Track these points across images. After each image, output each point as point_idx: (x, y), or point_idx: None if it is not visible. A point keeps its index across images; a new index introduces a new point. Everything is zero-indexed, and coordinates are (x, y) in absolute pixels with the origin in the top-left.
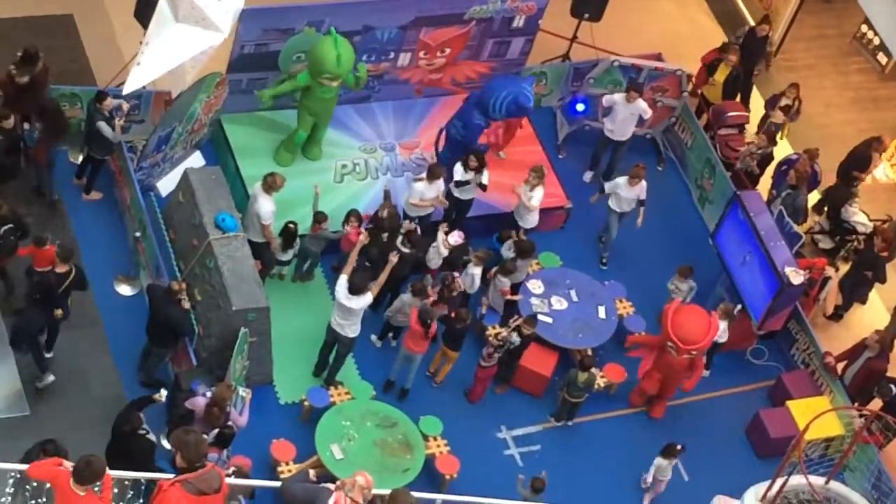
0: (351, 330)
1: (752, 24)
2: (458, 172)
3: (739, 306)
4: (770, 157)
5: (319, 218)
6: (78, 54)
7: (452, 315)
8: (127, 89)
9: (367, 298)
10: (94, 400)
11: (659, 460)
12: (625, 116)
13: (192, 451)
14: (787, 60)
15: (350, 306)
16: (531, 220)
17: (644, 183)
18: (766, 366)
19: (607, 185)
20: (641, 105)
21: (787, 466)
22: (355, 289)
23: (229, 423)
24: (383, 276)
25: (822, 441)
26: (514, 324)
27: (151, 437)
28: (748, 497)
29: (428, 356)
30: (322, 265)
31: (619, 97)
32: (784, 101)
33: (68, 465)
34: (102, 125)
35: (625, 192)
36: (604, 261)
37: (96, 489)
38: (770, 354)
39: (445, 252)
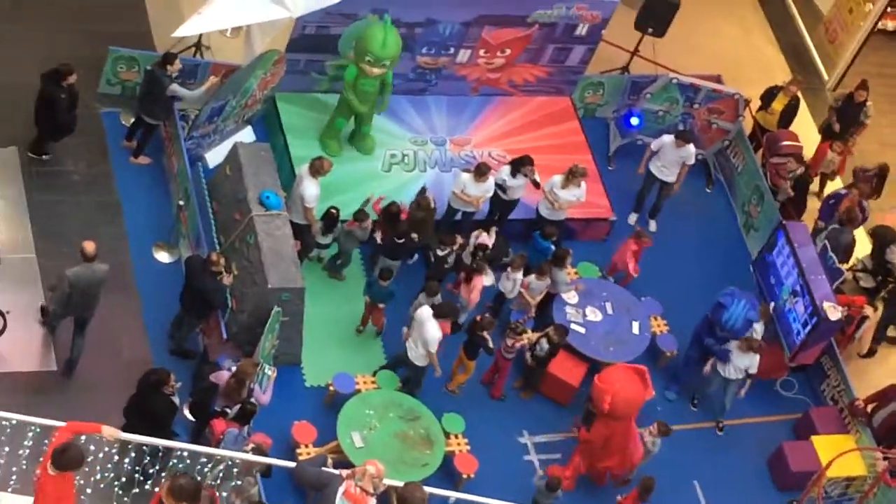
0: (415, 354)
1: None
2: (504, 176)
3: (773, 303)
4: (806, 180)
5: (361, 217)
6: (140, 18)
7: (476, 319)
8: (179, 32)
9: (436, 331)
10: (121, 362)
11: None
12: (672, 159)
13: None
14: None
15: (427, 325)
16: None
17: (756, 356)
18: (794, 398)
19: (723, 349)
20: (690, 150)
21: (806, 501)
22: (438, 313)
23: (252, 399)
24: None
25: (843, 479)
26: (544, 334)
27: (175, 399)
28: None
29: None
30: (362, 251)
31: (668, 139)
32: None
33: (110, 430)
34: (176, 87)
35: (735, 358)
36: (694, 402)
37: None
38: (800, 388)
39: (471, 248)
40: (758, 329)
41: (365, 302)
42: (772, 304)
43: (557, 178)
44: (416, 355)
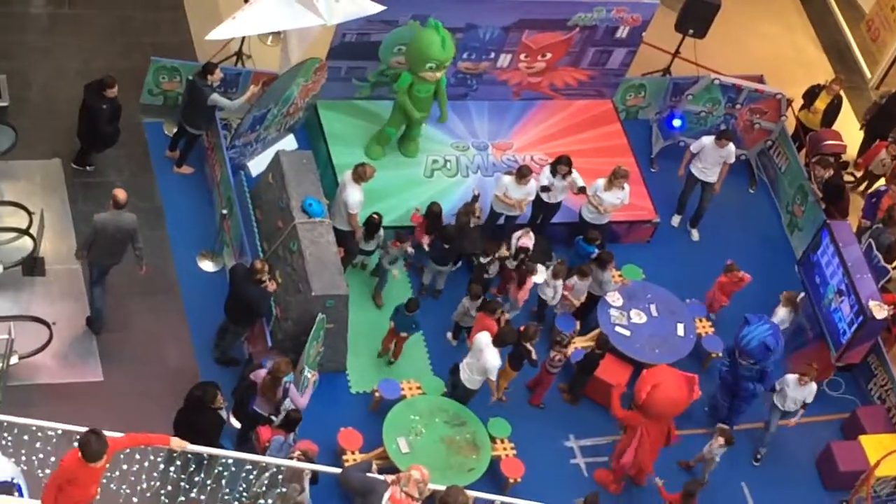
0: (467, 377)
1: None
2: (545, 177)
3: (802, 293)
4: (838, 186)
5: (403, 239)
6: (182, 28)
7: (521, 329)
8: (212, 35)
9: (496, 359)
10: (167, 371)
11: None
12: (714, 160)
13: None
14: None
15: (486, 353)
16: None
17: (814, 385)
18: (841, 398)
19: (777, 383)
20: (731, 149)
21: (855, 501)
22: (500, 340)
23: (289, 400)
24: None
25: (892, 479)
26: (586, 340)
27: (222, 413)
28: None
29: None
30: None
31: (707, 141)
32: None
33: (178, 442)
34: (217, 97)
35: (793, 391)
36: (758, 456)
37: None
38: (847, 387)
39: (512, 252)
40: (780, 314)
41: (389, 327)
42: (800, 294)
43: (601, 182)
44: (469, 378)
